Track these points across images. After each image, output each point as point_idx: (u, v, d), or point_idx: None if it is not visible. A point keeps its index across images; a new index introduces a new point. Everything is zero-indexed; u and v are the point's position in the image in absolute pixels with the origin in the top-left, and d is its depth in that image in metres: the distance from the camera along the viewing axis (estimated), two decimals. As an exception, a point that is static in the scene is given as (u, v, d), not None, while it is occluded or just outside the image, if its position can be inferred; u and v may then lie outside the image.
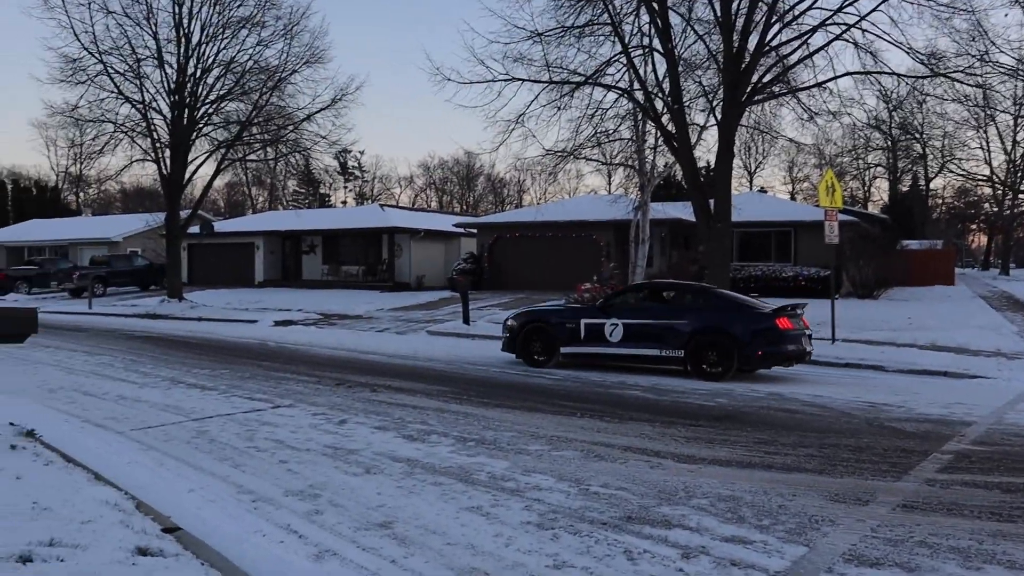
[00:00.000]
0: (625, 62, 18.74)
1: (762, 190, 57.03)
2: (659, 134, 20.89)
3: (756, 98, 18.09)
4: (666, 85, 18.84)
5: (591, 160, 25.23)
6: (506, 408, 9.77)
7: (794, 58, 17.83)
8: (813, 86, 17.77)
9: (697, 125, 22.27)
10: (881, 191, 68.22)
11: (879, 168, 64.85)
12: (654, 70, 19.72)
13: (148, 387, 11.45)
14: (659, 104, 19.29)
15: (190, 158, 30.47)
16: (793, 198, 65.83)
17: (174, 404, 10.05)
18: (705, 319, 12.65)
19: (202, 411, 9.57)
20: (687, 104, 19.57)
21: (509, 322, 14.56)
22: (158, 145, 29.89)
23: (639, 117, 22.58)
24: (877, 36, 16.53)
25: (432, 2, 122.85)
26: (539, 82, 18.93)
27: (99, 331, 21.04)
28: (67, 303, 32.79)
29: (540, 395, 10.83)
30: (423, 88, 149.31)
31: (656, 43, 18.73)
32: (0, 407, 9.10)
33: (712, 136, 28.95)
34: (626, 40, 18.55)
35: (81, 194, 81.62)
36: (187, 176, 31.08)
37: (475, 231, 35.58)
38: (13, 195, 74.60)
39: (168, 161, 29.88)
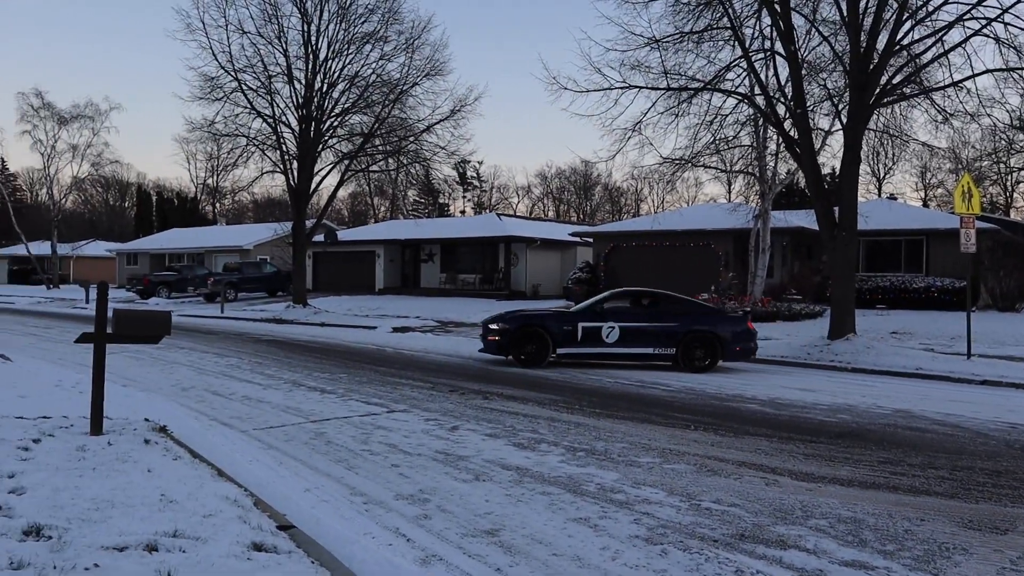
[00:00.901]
0: (745, 66, 18.32)
1: (891, 197, 54.57)
2: (781, 140, 20.30)
3: (885, 100, 17.32)
4: (788, 89, 18.28)
5: (710, 168, 24.81)
6: (618, 419, 9.66)
7: (927, 57, 16.98)
8: (948, 86, 16.85)
9: (821, 130, 21.54)
10: (1025, 197, 64.23)
11: (1023, 172, 61.04)
12: (776, 74, 19.20)
13: (271, 389, 11.89)
14: (781, 109, 18.77)
15: (316, 169, 31.59)
16: (926, 205, 62.76)
17: (295, 406, 10.40)
18: (694, 322, 14.93)
19: (320, 413, 9.86)
20: (811, 108, 18.92)
21: (495, 325, 15.20)
22: (287, 157, 31.14)
23: (760, 123, 22.05)
24: (1022, 30, 15.54)
25: (549, 12, 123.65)
26: (656, 89, 18.71)
27: (229, 334, 22.03)
28: (202, 307, 34.50)
29: (654, 407, 10.66)
30: (540, 98, 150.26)
31: (778, 46, 18.21)
32: (137, 403, 9.64)
33: (837, 141, 27.96)
34: (746, 44, 18.11)
35: (217, 204, 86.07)
36: (313, 187, 32.22)
37: (591, 240, 35.48)
38: (157, 205, 79.38)
39: (295, 172, 31.07)
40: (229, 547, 4.54)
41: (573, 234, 37.13)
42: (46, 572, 4.00)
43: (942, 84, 17.12)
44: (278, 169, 31.61)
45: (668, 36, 18.14)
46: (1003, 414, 10.18)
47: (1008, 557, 4.98)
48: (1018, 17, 15.46)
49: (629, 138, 19.09)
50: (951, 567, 4.82)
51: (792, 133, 18.15)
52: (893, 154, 63.40)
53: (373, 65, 30.66)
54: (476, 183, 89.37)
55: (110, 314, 7.65)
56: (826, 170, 24.63)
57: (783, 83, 18.86)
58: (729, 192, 59.29)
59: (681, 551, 5.07)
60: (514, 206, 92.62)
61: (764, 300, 23.14)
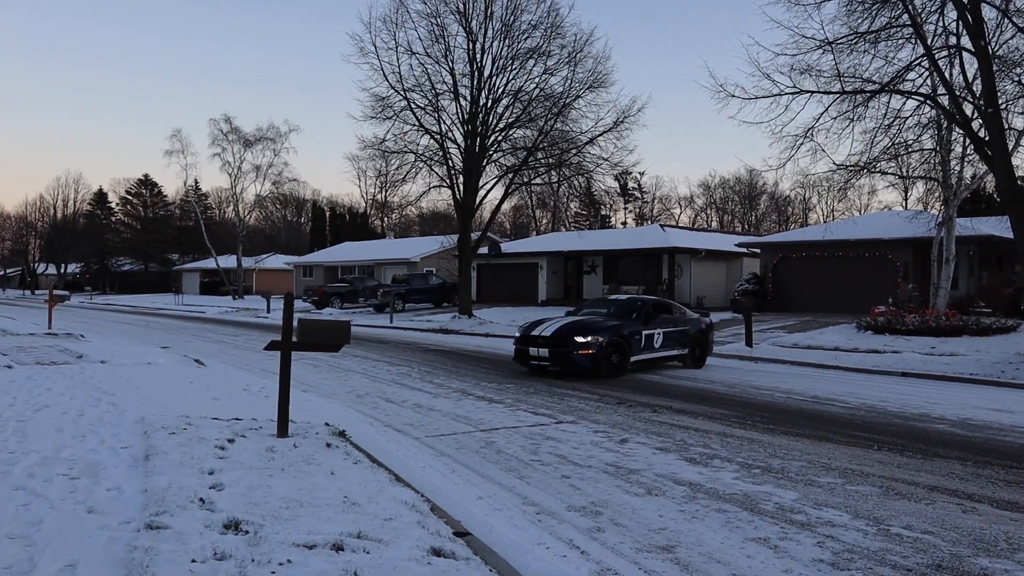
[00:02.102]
0: (928, 65, 17.27)
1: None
2: (968, 142, 18.99)
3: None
4: (977, 87, 17.07)
5: (887, 174, 23.56)
6: (793, 436, 9.27)
7: None
8: None
9: (1015, 130, 19.95)
10: None
11: None
12: (962, 71, 17.96)
13: (441, 397, 12.20)
14: (968, 109, 17.53)
15: (480, 183, 32.33)
16: None
17: (464, 414, 10.61)
18: (698, 325, 17.06)
19: (489, 423, 10.02)
20: (1003, 106, 17.57)
21: (583, 338, 14.68)
22: (453, 172, 32.04)
23: (943, 124, 20.72)
24: None
25: (713, 19, 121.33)
26: (829, 93, 17.95)
27: (398, 344, 22.81)
28: (372, 317, 35.94)
29: (831, 424, 10.16)
30: (703, 106, 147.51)
31: (964, 41, 17.04)
32: (317, 408, 10.12)
33: (1034, 142, 25.89)
34: (928, 41, 17.06)
35: (385, 218, 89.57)
36: (478, 200, 32.98)
37: (758, 251, 34.41)
38: (330, 220, 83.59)
39: (461, 187, 31.91)
40: (410, 551, 4.66)
41: (739, 244, 36.15)
42: (245, 565, 4.24)
43: None
44: (444, 184, 32.59)
45: (841, 37, 17.40)
46: None
47: None
48: None
49: (800, 145, 18.45)
50: None
51: (982, 134, 16.93)
52: (1097, 155, 58.00)
53: (536, 79, 31.14)
54: (637, 194, 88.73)
55: (295, 323, 8.07)
56: (1021, 172, 22.76)
57: (971, 81, 17.64)
58: (906, 199, 56.11)
59: (872, 578, 4.77)
60: (676, 217, 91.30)
61: (949, 313, 21.61)
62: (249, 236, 74.34)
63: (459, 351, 20.51)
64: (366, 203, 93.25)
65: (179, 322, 34.97)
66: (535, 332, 15.06)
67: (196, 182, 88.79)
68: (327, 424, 8.67)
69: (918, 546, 5.37)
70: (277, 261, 71.44)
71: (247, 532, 4.78)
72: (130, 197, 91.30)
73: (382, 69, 30.76)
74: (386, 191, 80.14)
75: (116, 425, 8.32)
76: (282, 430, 7.82)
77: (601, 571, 4.94)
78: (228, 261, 65.43)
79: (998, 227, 26.72)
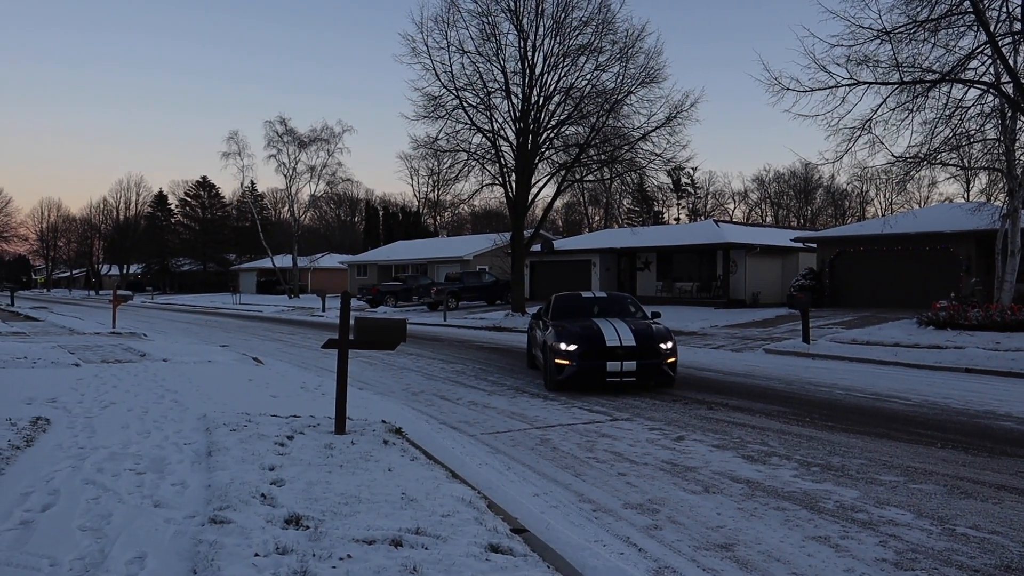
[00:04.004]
0: (991, 53, 16.79)
1: None
2: (1035, 131, 18.42)
3: None
4: (1044, 75, 16.57)
5: (948, 165, 22.90)
6: (853, 433, 9.09)
7: None
8: None
9: (1087, 118, 19.33)
10: None
11: None
12: (1028, 58, 17.44)
13: (496, 395, 12.24)
14: (1034, 97, 17.03)
15: (533, 180, 32.29)
16: None
17: (519, 412, 10.64)
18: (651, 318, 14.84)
19: (545, 420, 10.03)
20: (1072, 94, 17.03)
21: (667, 345, 12.42)
22: (505, 170, 32.08)
23: (1008, 113, 20.11)
24: None
25: (766, 12, 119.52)
26: (887, 83, 17.58)
27: (452, 341, 22.94)
28: (425, 315, 36.21)
29: (892, 421, 9.95)
30: (757, 99, 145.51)
31: (1030, 27, 16.56)
32: (373, 405, 10.24)
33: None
34: (992, 28, 16.58)
35: (437, 217, 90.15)
36: (530, 198, 32.97)
37: (814, 245, 33.82)
38: (383, 219, 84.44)
39: (513, 184, 31.92)
40: (467, 547, 4.69)
41: (795, 239, 35.56)
42: (307, 559, 4.32)
43: None
44: (497, 182, 32.64)
45: (900, 27, 17.02)
46: None
47: None
48: None
49: (857, 137, 18.14)
50: None
51: (1050, 123, 16.42)
52: None
53: (588, 76, 30.96)
54: (691, 189, 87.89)
55: (352, 322, 8.18)
56: (1089, 162, 22.00)
57: (1037, 68, 17.13)
58: (967, 191, 54.48)
59: (937, 579, 4.67)
60: (730, 212, 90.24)
61: (1014, 307, 20.97)
62: (304, 236, 75.51)
63: (513, 349, 20.55)
64: (418, 202, 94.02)
65: (237, 321, 35.67)
66: (607, 341, 12.00)
67: (252, 183, 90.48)
68: (384, 421, 8.77)
69: (985, 546, 5.24)
70: (331, 260, 72.41)
71: (308, 527, 4.87)
72: (189, 199, 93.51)
73: (434, 69, 30.92)
74: (438, 190, 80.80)
75: (179, 422, 8.53)
76: (340, 427, 7.93)
77: (659, 569, 4.91)
78: (284, 261, 66.54)
79: (1067, 219, 25.88)
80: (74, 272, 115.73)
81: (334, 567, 4.24)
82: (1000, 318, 20.10)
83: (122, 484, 5.91)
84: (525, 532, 5.33)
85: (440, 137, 32.14)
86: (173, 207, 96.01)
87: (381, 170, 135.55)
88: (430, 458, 7.24)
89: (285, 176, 61.32)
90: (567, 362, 12.02)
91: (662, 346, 12.21)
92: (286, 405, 9.83)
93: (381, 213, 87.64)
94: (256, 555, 4.37)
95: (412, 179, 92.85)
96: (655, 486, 6.80)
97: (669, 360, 12.23)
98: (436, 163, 38.80)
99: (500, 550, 4.76)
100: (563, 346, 12.09)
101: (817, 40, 44.86)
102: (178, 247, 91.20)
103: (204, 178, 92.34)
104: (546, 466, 7.59)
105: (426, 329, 28.67)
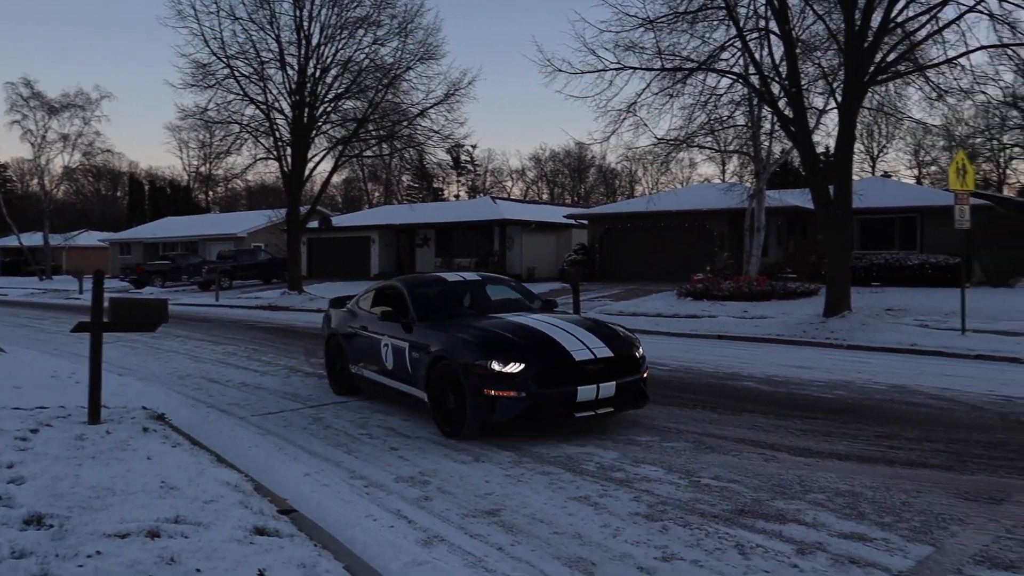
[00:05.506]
0: (740, 46, 18.23)
1: (886, 175, 54.59)
2: (776, 119, 20.27)
3: (880, 78, 17.25)
4: (783, 68, 18.22)
5: (704, 148, 24.78)
6: (616, 399, 9.65)
7: (922, 34, 16.84)
8: (943, 63, 16.75)
9: (816, 109, 21.50)
10: (1018, 173, 64.26)
11: (1016, 149, 60.87)
12: (770, 53, 19.12)
13: (269, 375, 11.90)
14: (776, 88, 18.69)
15: (309, 155, 31.49)
16: (920, 183, 62.67)
17: (292, 392, 10.41)
18: None
19: (319, 399, 9.87)
20: (805, 87, 18.86)
21: (641, 352, 8.51)
22: (280, 144, 31.02)
23: (755, 102, 21.98)
24: (1016, 5, 15.44)
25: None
26: (651, 70, 18.63)
27: (225, 322, 22.01)
28: (196, 296, 34.45)
29: (650, 385, 10.64)
30: (534, 80, 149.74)
31: (773, 25, 18.14)
32: (135, 392, 9.64)
33: (832, 120, 27.92)
34: (741, 23, 18.01)
35: (210, 192, 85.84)
36: (307, 173, 32.13)
37: (586, 222, 35.46)
38: (150, 194, 79.20)
39: (289, 159, 30.96)
40: (231, 532, 4.56)
41: (568, 216, 37.11)
42: (48, 560, 4.01)
43: (936, 61, 17.01)
44: (272, 156, 31.52)
45: (662, 16, 18.04)
46: (997, 387, 10.21)
47: (1003, 526, 5.01)
48: (1012, -8, 15.37)
49: (624, 119, 19.06)
50: (948, 537, 4.85)
51: (787, 112, 18.11)
52: (887, 132, 63.29)
53: (366, 50, 30.54)
54: (470, 167, 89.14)
55: (106, 303, 7.64)
56: (821, 149, 24.61)
57: (778, 62, 18.80)
58: (723, 172, 59.25)
59: (681, 527, 5.09)
60: (508, 189, 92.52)
61: (760, 279, 23.14)
62: (58, 212, 69.21)
63: (289, 328, 20.03)
64: (189, 176, 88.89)
65: (-22, 305, 32.22)
66: (573, 353, 7.59)
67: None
68: (144, 408, 8.30)
69: (724, 494, 5.76)
70: (91, 238, 66.76)
71: (51, 526, 4.52)
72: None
73: (203, 34, 29.24)
74: (210, 163, 76.76)
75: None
76: (94, 416, 7.42)
77: (428, 538, 5.00)
78: (34, 239, 60.62)
79: (802, 199, 28.74)
80: None
81: (80, 566, 3.96)
82: (748, 289, 22.10)
83: None
84: (294, 512, 5.26)
85: (210, 108, 30.58)
86: None
87: (147, 141, 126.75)
88: (195, 443, 6.94)
89: (33, 145, 55.66)
90: (510, 393, 7.32)
91: (637, 354, 8.30)
92: (33, 396, 9.01)
93: (147, 187, 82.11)
94: (-12, 560, 4.00)
95: (182, 152, 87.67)
96: (427, 459, 6.90)
97: (645, 374, 8.43)
98: (207, 135, 36.75)
99: (266, 532, 4.67)
100: (498, 365, 7.37)
101: (588, 25, 46.94)
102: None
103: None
104: (318, 445, 7.49)
105: (196, 310, 27.30)
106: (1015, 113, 51.00)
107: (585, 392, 7.49)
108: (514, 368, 7.35)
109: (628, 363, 8.00)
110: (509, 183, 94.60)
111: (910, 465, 6.50)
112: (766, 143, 24.36)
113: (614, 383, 7.68)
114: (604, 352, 7.76)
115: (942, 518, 5.18)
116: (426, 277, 10.06)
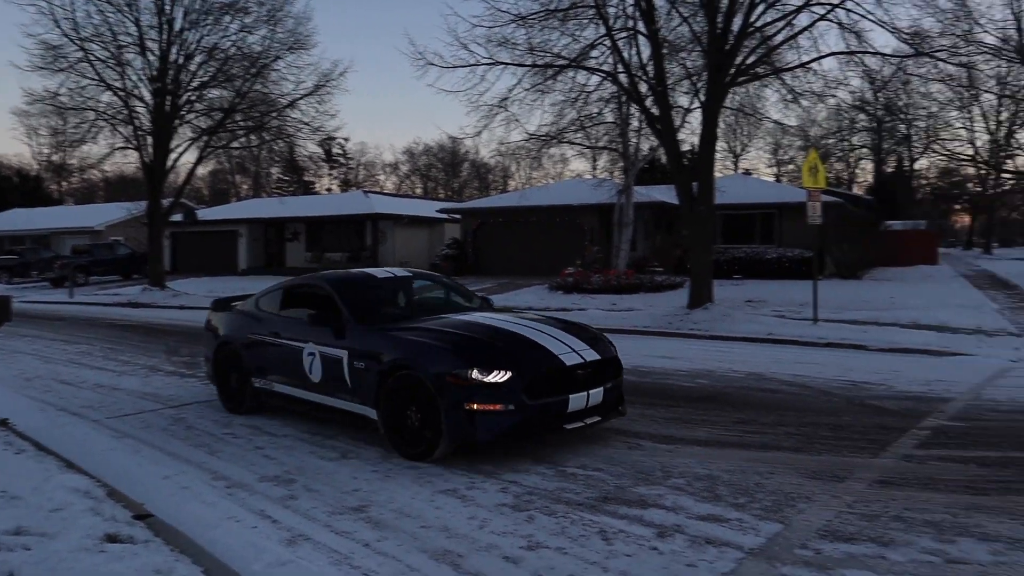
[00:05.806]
0: (609, 45, 18.61)
1: (747, 172, 57.00)
2: (643, 117, 20.80)
3: (740, 80, 17.99)
4: (650, 68, 18.72)
5: (575, 144, 25.14)
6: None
7: (778, 39, 17.69)
8: (797, 67, 17.66)
9: (681, 108, 22.15)
10: (866, 172, 68.42)
11: (864, 149, 64.94)
12: (638, 53, 19.58)
13: (127, 375, 11.36)
14: (643, 87, 19.19)
15: (173, 146, 30.19)
16: (778, 180, 65.85)
17: (152, 392, 9.98)
18: None
19: (180, 398, 9.51)
20: (671, 87, 19.43)
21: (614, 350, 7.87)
22: (140, 133, 29.63)
23: (623, 100, 22.47)
24: (862, 16, 16.39)
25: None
26: (522, 66, 18.78)
27: (79, 320, 20.89)
28: (48, 292, 32.56)
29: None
30: (407, 73, 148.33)
31: (640, 25, 18.60)
32: (-25, 397, 9.02)
33: (696, 119, 28.91)
34: (610, 23, 18.40)
35: (63, 183, 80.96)
36: (170, 164, 30.80)
37: (459, 217, 35.51)
38: (-6, 185, 73.91)
39: (150, 149, 29.62)
40: (80, 540, 4.34)
41: (441, 210, 37.04)
42: None
43: (792, 65, 17.91)
44: (131, 145, 30.08)
45: (534, 13, 18.20)
46: (845, 373, 10.86)
47: (845, 502, 5.35)
48: (859, 4, 16.36)
49: (496, 115, 19.14)
50: (795, 514, 5.13)
51: (654, 110, 18.63)
52: (748, 132, 66.08)
53: (233, 37, 29.48)
54: (342, 160, 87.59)
55: (-60, 300, 7.12)
56: (686, 147, 25.35)
57: (645, 62, 19.28)
58: (594, 168, 60.45)
59: (547, 516, 5.18)
60: (381, 184, 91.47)
61: (628, 272, 23.80)
62: None
63: (149, 325, 19.18)
64: (39, 165, 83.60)
65: None
66: (563, 358, 6.74)
67: None
68: (-14, 412, 7.77)
69: (589, 482, 5.90)
70: (-74, 232, 62.04)
71: None
72: None
73: (52, 13, 27.56)
74: (63, 152, 72.39)
75: None
76: (-74, 422, 6.89)
77: (293, 538, 4.90)
78: None
79: (669, 195, 29.62)
80: None
81: (-94, 582, 3.68)
82: (616, 282, 22.66)
83: None
84: (150, 517, 5.04)
85: (62, 92, 28.88)
86: None
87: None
88: (41, 449, 6.56)
89: None
90: (496, 406, 6.36)
91: (618, 356, 7.74)
92: None
93: (-9, 177, 76.80)
94: None
95: (31, 139, 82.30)
96: (293, 457, 6.76)
97: (621, 377, 7.73)
98: (60, 122, 34.67)
99: (118, 539, 4.47)
100: (480, 374, 6.37)
101: (460, 19, 46.83)
102: None
103: None
104: (179, 446, 7.21)
105: (48, 308, 25.80)
106: (863, 116, 54.41)
107: (576, 401, 6.72)
108: (500, 377, 6.35)
109: (614, 366, 7.44)
110: (382, 177, 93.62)
111: (764, 448, 6.83)
112: (634, 140, 25.01)
113: (602, 389, 6.97)
114: (591, 355, 7.00)
115: (791, 497, 5.47)
116: (353, 274, 8.62)
